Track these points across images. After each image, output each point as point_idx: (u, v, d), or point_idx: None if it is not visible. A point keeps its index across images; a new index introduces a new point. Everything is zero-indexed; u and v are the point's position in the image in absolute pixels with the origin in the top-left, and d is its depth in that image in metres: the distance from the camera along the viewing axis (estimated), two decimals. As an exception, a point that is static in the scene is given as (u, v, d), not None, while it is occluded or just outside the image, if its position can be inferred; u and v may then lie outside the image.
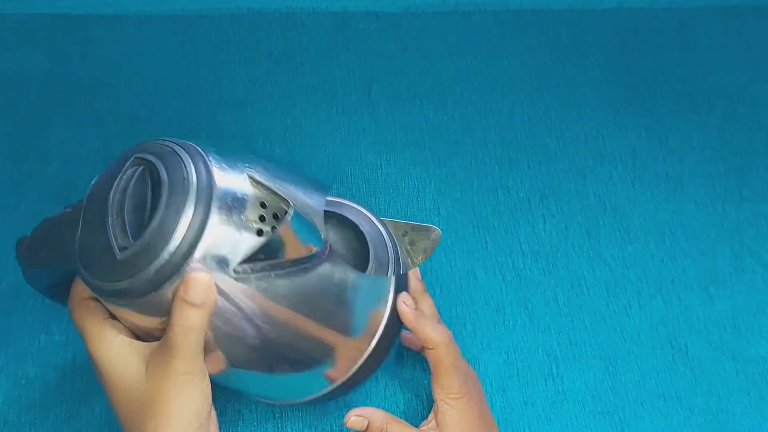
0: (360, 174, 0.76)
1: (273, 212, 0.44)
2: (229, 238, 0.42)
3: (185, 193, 0.41)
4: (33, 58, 0.82)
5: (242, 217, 0.42)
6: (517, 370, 0.65)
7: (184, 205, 0.40)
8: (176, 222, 0.40)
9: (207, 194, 0.41)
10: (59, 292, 0.50)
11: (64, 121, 0.77)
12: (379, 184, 0.75)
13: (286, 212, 0.44)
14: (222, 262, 0.42)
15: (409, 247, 0.57)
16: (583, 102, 0.84)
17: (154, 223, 0.40)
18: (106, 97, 0.79)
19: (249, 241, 0.42)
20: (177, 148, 0.43)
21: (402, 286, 0.53)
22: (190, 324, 0.41)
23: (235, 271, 0.42)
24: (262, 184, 0.44)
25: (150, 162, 0.42)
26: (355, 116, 0.80)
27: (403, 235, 0.58)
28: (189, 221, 0.40)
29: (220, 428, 0.48)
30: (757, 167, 0.81)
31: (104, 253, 0.41)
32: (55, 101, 0.78)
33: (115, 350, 0.44)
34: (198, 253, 0.41)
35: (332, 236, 0.53)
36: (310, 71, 0.83)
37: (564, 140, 0.81)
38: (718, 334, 0.68)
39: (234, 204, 0.42)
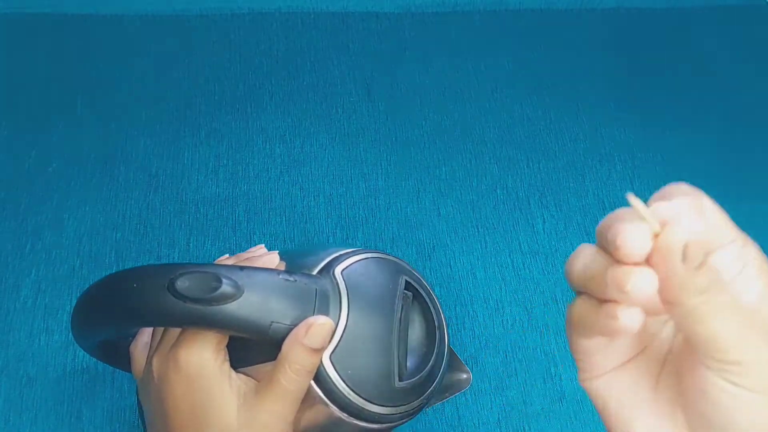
0: (360, 174, 0.76)
1: None
2: None
3: (445, 342, 0.44)
4: (33, 58, 0.82)
5: None
6: (516, 370, 0.65)
7: (444, 357, 0.44)
8: (439, 370, 0.44)
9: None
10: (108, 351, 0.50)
11: (64, 121, 0.77)
12: (379, 185, 0.75)
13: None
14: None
15: None
16: (582, 101, 0.84)
17: (430, 364, 0.43)
18: (106, 97, 0.79)
19: None
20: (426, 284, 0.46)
21: None
22: (305, 368, 0.39)
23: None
24: None
25: (421, 296, 0.44)
26: (355, 116, 0.80)
27: None
28: (442, 370, 0.44)
29: None
30: (755, 167, 0.81)
31: (380, 375, 0.41)
32: (55, 101, 0.79)
33: (226, 385, 0.41)
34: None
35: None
36: (310, 71, 0.84)
37: (563, 139, 0.81)
38: (717, 333, 0.68)
39: None
